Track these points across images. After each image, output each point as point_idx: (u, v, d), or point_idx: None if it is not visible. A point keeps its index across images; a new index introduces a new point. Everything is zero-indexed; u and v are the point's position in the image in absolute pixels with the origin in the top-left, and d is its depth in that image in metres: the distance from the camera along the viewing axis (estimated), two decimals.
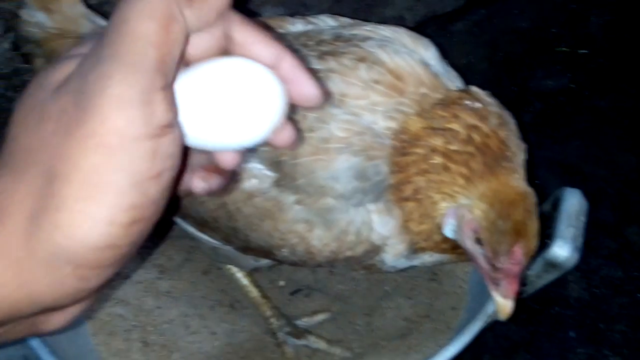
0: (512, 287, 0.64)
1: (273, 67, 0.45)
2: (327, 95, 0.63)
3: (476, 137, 0.65)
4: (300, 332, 0.94)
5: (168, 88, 0.39)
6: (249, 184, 0.68)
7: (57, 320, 0.44)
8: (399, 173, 0.66)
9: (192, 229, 0.81)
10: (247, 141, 0.46)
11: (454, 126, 0.65)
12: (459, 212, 0.65)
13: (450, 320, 0.95)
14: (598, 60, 1.39)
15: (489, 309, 0.76)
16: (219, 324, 0.97)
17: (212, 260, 0.94)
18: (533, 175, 0.94)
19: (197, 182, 0.49)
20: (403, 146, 0.66)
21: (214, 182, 0.49)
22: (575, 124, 1.28)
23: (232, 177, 0.55)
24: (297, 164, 0.65)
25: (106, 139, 0.37)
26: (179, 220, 0.83)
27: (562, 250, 0.73)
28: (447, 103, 0.67)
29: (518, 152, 0.68)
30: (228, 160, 0.48)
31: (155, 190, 0.39)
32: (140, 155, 0.38)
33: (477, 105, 0.67)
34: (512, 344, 0.98)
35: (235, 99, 0.44)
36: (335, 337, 0.95)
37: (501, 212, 0.63)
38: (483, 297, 0.83)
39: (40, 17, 0.75)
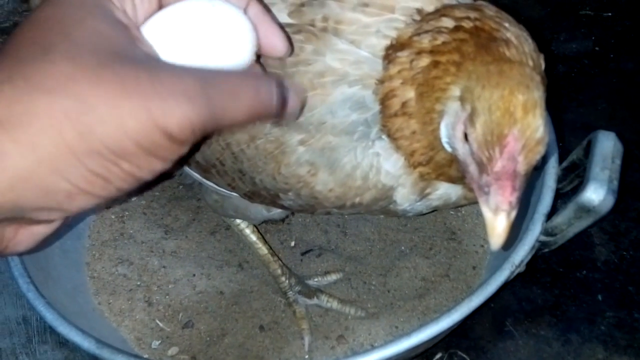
0: (504, 193, 0.48)
1: None
2: (292, 48, 0.58)
3: (466, 24, 0.55)
4: (311, 292, 0.89)
5: None
6: (251, 124, 0.63)
7: (25, 238, 0.44)
8: (382, 87, 0.58)
9: (197, 176, 0.77)
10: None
11: (442, 22, 0.57)
12: (451, 109, 0.54)
13: (470, 280, 0.90)
14: (623, 22, 1.33)
15: (515, 258, 0.71)
16: (226, 284, 0.93)
17: (220, 215, 0.89)
18: (558, 138, 0.89)
19: None
20: (388, 59, 0.59)
21: None
22: (601, 87, 1.22)
23: None
24: None
25: None
26: (184, 168, 0.78)
27: (596, 194, 0.67)
28: (440, 8, 0.60)
29: (517, 33, 0.56)
30: None
31: None
32: None
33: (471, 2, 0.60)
34: (536, 307, 0.92)
35: (207, 34, 0.45)
36: (348, 297, 0.90)
37: (489, 86, 0.48)
38: (506, 254, 0.78)
39: None
